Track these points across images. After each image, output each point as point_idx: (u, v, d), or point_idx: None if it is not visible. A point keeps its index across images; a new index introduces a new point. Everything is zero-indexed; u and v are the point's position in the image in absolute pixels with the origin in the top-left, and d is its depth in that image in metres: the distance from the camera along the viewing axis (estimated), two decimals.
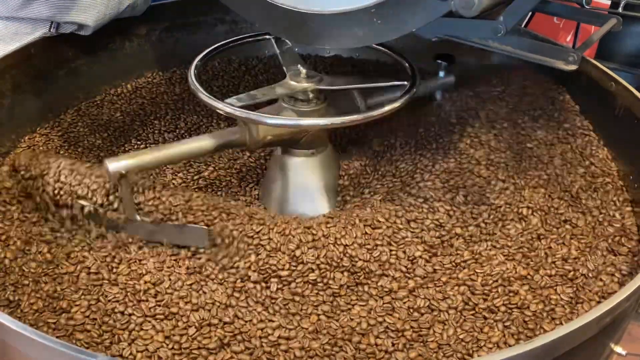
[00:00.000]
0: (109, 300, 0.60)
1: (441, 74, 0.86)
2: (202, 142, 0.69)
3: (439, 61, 0.85)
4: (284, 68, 0.76)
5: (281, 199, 0.76)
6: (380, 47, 0.83)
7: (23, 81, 0.83)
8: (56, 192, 0.66)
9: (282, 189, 0.76)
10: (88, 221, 0.66)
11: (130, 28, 0.98)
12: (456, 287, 0.63)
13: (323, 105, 0.74)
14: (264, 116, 0.69)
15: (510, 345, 0.57)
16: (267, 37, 0.83)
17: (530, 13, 1.23)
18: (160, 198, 0.66)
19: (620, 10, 1.07)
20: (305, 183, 0.76)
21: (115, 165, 0.62)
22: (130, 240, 0.66)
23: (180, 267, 0.64)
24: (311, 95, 0.73)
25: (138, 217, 0.65)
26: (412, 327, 0.59)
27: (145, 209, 0.65)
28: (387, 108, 0.70)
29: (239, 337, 0.57)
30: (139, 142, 0.88)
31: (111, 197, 0.65)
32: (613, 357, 0.60)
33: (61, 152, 0.83)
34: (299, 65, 0.74)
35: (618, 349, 0.58)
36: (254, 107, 0.71)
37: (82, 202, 0.65)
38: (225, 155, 0.85)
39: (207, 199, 0.68)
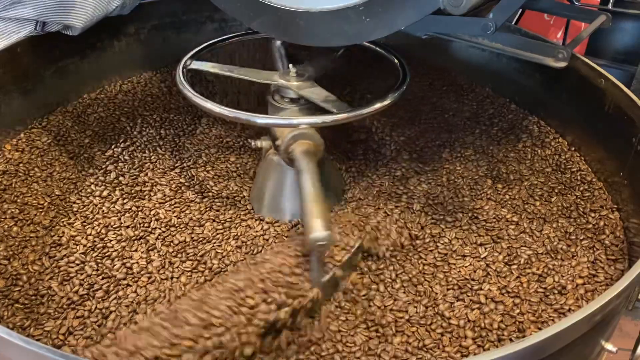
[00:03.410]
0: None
1: None
2: None
3: None
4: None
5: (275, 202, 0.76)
6: (370, 45, 0.82)
7: (9, 81, 0.82)
8: None
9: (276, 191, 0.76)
10: None
11: (118, 27, 0.97)
12: None
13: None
14: (254, 116, 0.68)
15: None
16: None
17: (520, 10, 1.23)
18: None
19: (610, 6, 1.08)
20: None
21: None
22: None
23: None
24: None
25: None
26: None
27: None
28: (377, 105, 0.69)
29: None
30: (127, 141, 0.87)
31: None
32: (604, 354, 0.60)
33: (49, 152, 0.82)
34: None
35: (609, 346, 0.58)
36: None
37: None
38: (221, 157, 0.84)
39: None
